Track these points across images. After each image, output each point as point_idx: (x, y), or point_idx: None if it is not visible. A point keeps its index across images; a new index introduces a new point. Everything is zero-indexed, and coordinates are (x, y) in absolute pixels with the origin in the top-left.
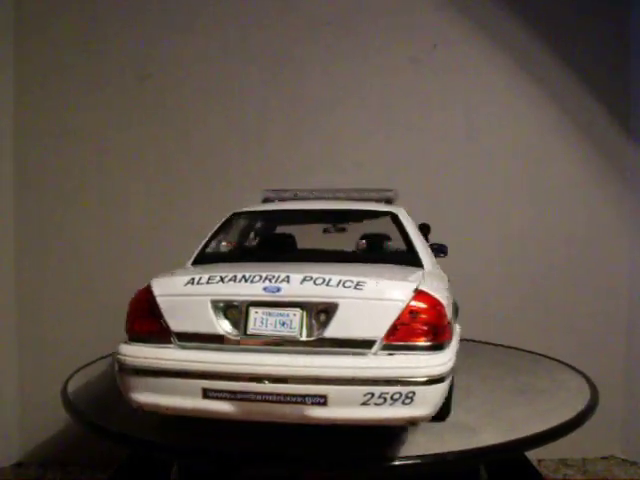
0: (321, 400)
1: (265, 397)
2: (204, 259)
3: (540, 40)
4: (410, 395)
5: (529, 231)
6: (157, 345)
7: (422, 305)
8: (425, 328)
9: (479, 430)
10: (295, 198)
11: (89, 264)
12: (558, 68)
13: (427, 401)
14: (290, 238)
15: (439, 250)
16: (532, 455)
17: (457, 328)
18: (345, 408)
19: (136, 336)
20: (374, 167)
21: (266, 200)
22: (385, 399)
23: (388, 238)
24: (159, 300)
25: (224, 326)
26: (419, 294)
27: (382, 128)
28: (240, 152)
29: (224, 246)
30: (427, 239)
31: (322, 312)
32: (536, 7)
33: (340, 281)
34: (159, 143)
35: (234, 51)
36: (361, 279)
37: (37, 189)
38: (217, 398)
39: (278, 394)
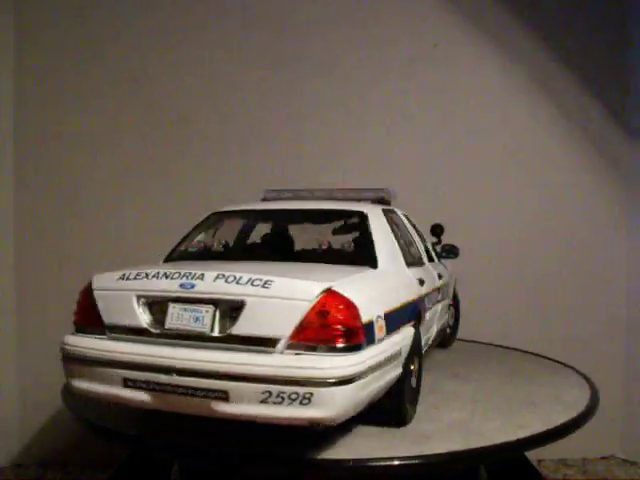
0: (223, 395)
1: (174, 389)
2: (176, 257)
3: (540, 40)
4: (308, 396)
5: (529, 231)
6: (93, 336)
7: (331, 305)
8: (335, 328)
9: (434, 438)
10: (295, 198)
11: (89, 264)
12: (558, 68)
13: (331, 403)
14: (264, 238)
15: (450, 251)
16: (532, 455)
17: (405, 331)
18: (245, 405)
19: (79, 327)
20: (374, 167)
21: (264, 200)
22: (283, 398)
23: (357, 237)
24: (95, 294)
25: (147, 320)
26: (330, 294)
27: (382, 127)
28: (240, 152)
29: (198, 245)
30: (440, 239)
31: (233, 309)
32: (537, 7)
33: (249, 279)
34: (158, 144)
35: (234, 51)
36: (270, 278)
37: (37, 189)
38: (134, 388)
39: (185, 387)
